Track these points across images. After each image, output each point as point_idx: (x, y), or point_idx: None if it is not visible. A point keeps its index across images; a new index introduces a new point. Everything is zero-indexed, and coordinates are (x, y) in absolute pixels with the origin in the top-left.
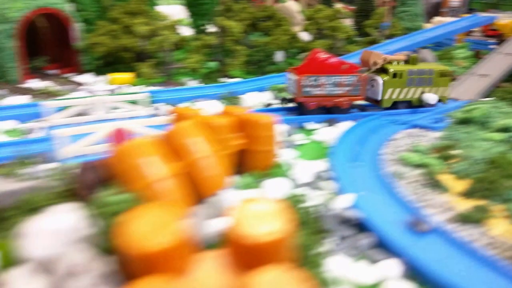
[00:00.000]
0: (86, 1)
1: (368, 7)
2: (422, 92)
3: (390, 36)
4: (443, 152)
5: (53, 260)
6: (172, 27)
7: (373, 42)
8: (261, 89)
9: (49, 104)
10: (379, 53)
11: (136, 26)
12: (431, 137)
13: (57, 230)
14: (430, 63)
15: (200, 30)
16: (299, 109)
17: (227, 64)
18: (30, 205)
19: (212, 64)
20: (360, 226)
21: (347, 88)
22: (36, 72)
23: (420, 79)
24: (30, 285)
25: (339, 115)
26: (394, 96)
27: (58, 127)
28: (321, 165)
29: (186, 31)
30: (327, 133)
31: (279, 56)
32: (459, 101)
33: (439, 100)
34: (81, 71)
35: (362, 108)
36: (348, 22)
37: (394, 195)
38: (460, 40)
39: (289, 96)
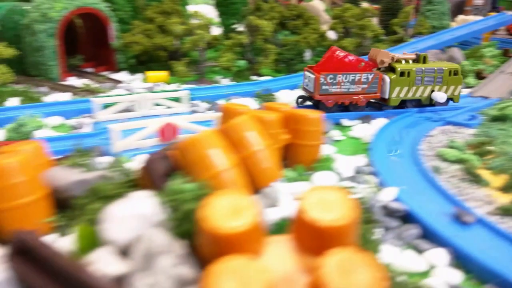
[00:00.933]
0: (121, 1)
1: (395, 5)
2: (432, 91)
3: (415, 35)
4: (478, 148)
5: (135, 242)
6: (206, 26)
7: (399, 41)
8: (292, 87)
9: (96, 100)
10: (387, 51)
11: (172, 25)
12: (466, 134)
13: (138, 214)
14: (438, 62)
15: (229, 29)
16: (316, 107)
17: (257, 62)
18: (101, 193)
19: (242, 63)
20: (404, 218)
21: (364, 86)
22: (73, 70)
23: (429, 78)
24: (114, 265)
25: (373, 112)
26: (401, 95)
27: (106, 123)
28: (361, 160)
29: (215, 31)
30: (363, 129)
31: (307, 54)
32: (489, 99)
33: (450, 99)
34: (116, 70)
35: (378, 106)
36: (374, 21)
37: (437, 188)
38: (487, 38)
39: (305, 94)
